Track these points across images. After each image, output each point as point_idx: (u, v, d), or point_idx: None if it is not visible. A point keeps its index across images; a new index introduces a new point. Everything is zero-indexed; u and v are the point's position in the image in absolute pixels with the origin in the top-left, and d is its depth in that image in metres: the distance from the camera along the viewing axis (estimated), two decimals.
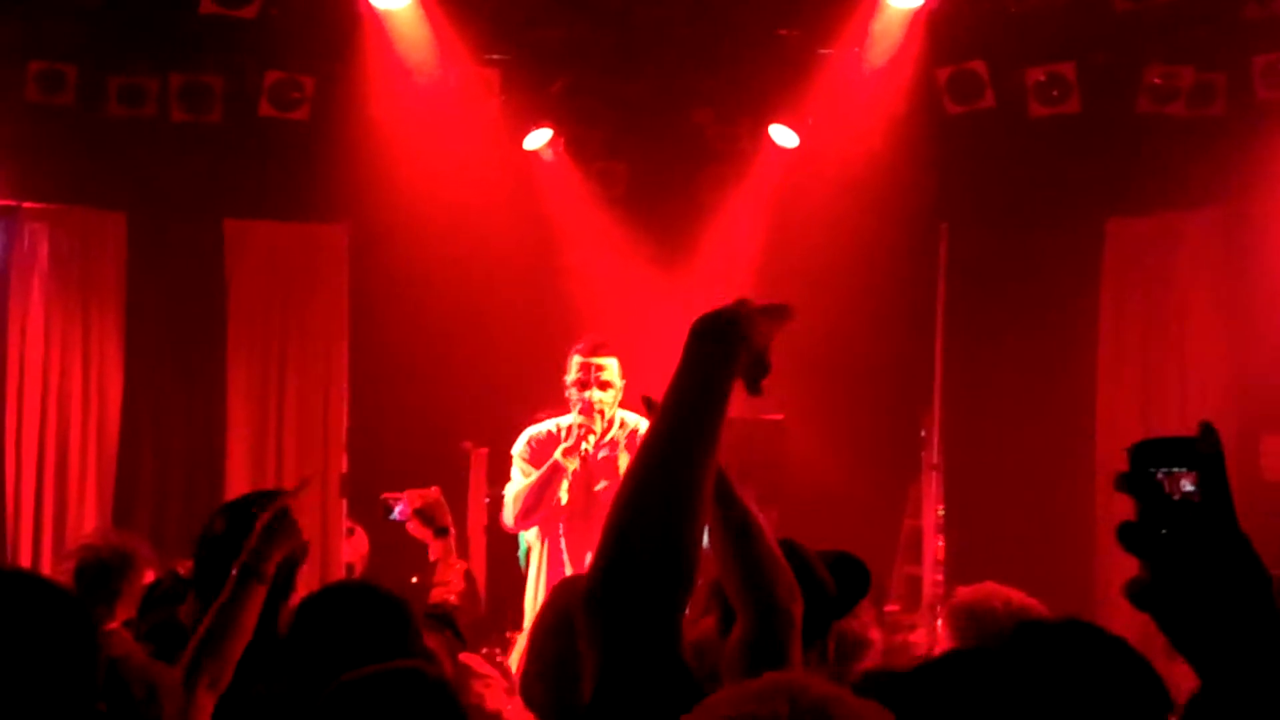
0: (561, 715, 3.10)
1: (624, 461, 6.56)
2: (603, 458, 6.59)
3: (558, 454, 6.51)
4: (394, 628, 3.14)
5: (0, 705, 2.16)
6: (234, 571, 3.34)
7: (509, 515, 6.62)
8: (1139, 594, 1.36)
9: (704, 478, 1.93)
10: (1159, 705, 2.17)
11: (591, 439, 6.52)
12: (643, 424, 6.62)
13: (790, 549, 2.68)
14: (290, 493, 3.49)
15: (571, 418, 6.61)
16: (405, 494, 4.62)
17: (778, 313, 2.17)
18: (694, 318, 2.10)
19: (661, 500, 1.89)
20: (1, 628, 2.21)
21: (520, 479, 6.62)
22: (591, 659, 1.86)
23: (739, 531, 2.50)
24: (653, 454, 1.94)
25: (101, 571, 4.64)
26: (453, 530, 4.47)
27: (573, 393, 6.55)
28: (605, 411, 6.54)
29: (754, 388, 2.15)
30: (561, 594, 3.24)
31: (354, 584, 3.42)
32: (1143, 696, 2.17)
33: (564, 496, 6.57)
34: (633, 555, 1.86)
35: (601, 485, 6.59)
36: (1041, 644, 2.22)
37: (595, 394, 6.49)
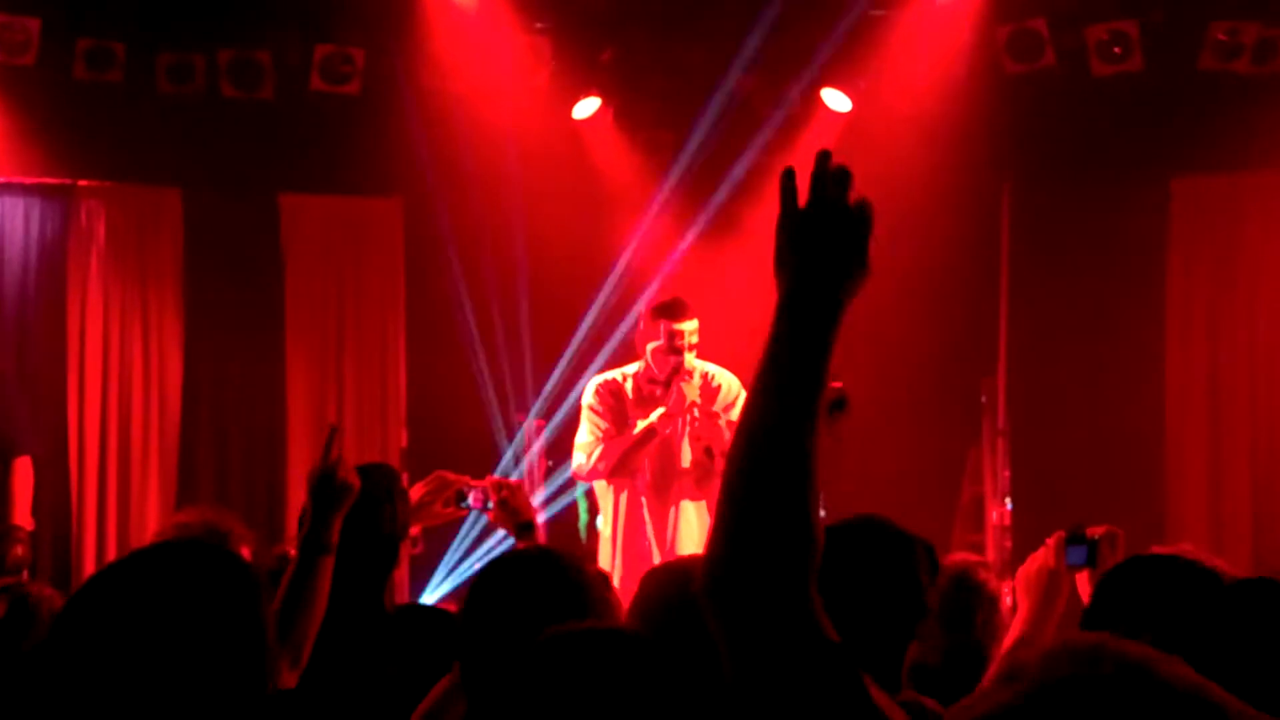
0: None
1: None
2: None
3: (654, 417, 6.54)
4: (579, 597, 3.05)
5: (174, 681, 2.04)
6: (296, 547, 3.28)
7: (584, 467, 6.67)
8: None
9: (815, 431, 1.78)
10: None
11: (696, 410, 6.56)
12: (710, 368, 6.69)
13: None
14: (326, 454, 3.38)
15: (636, 367, 6.67)
16: (485, 481, 4.45)
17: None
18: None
19: (778, 468, 1.75)
20: (181, 599, 2.08)
21: (590, 430, 6.65)
22: (725, 646, 1.75)
23: None
24: (761, 417, 1.79)
25: None
26: (538, 524, 4.37)
27: (656, 355, 6.56)
28: (694, 375, 6.59)
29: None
30: (653, 584, 3.04)
31: (535, 551, 3.29)
32: None
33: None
34: (757, 532, 1.75)
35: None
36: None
37: (688, 359, 6.53)
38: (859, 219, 1.87)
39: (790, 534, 1.75)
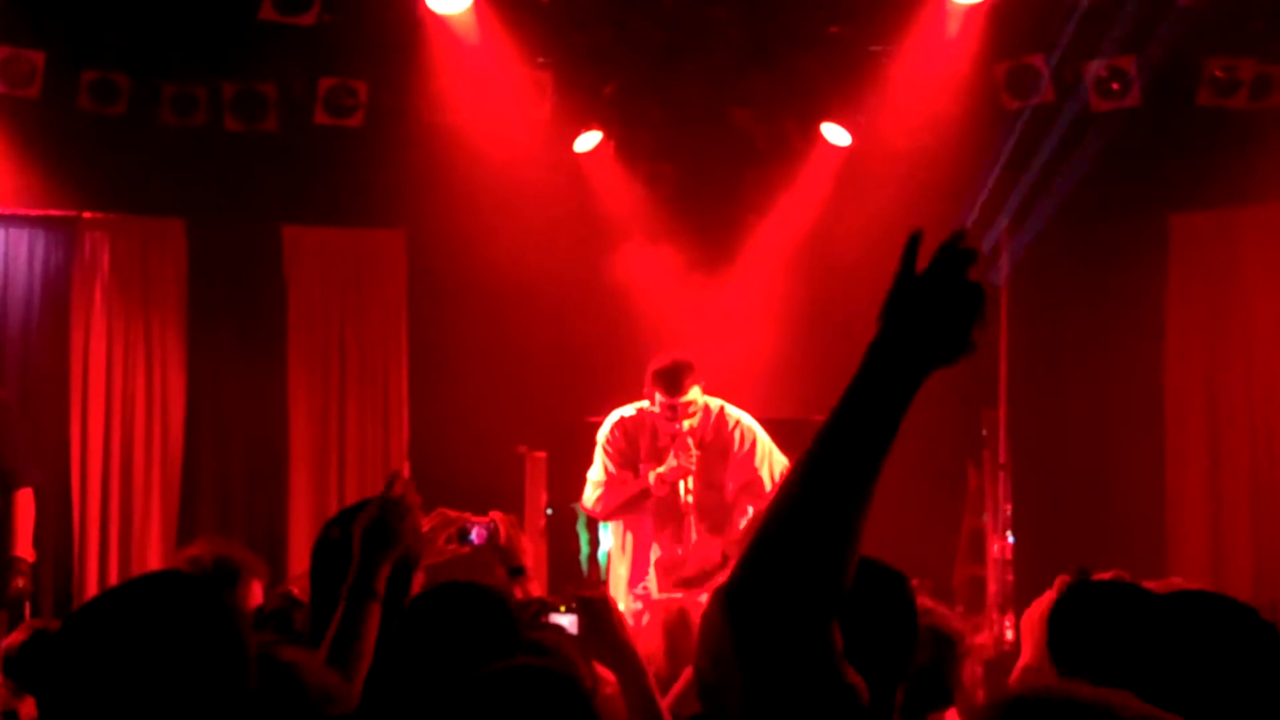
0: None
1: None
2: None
3: (651, 478, 6.60)
4: (502, 625, 3.08)
5: (153, 703, 2.04)
6: (343, 592, 3.20)
7: (588, 503, 6.79)
8: None
9: (871, 481, 1.80)
10: None
11: (690, 479, 6.64)
12: (729, 411, 6.75)
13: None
14: (380, 500, 3.33)
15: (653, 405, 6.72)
16: (490, 516, 4.38)
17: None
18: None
19: (815, 512, 1.77)
20: (150, 626, 2.08)
21: (600, 468, 6.72)
22: (735, 665, 1.78)
23: None
24: (824, 457, 1.80)
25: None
26: (529, 569, 4.37)
27: (655, 417, 6.68)
28: (694, 434, 6.65)
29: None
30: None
31: (462, 584, 3.30)
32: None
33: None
34: (775, 564, 1.76)
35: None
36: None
37: (685, 425, 6.58)
38: (972, 298, 1.87)
39: (815, 582, 1.76)
